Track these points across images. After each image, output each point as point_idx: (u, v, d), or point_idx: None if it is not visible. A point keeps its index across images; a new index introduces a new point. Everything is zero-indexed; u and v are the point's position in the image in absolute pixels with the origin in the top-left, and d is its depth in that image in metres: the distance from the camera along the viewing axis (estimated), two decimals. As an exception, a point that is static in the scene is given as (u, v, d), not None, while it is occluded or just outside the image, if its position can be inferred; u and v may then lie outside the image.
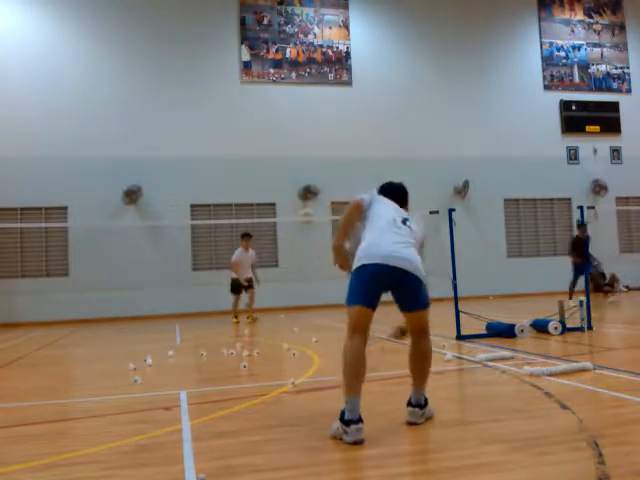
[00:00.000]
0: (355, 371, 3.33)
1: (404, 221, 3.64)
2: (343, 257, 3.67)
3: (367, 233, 3.58)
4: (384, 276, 3.43)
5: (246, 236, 12.37)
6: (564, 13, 20.03)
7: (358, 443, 3.15)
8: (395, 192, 3.92)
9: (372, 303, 3.43)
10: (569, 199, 19.02)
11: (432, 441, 3.18)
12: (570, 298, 12.96)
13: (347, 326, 3.45)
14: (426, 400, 3.65)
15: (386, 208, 3.68)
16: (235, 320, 12.23)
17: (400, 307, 3.69)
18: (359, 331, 3.41)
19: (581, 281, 13.61)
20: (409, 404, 3.59)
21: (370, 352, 3.55)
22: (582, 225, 13.37)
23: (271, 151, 16.16)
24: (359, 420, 3.20)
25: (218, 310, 14.82)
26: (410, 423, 3.53)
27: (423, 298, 3.69)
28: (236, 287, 12.28)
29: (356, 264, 3.48)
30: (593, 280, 13.15)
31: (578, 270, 13.19)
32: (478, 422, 3.56)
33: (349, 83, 17.95)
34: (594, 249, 14.61)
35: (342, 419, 3.23)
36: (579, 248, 13.10)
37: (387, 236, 3.50)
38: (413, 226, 3.69)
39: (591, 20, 20.24)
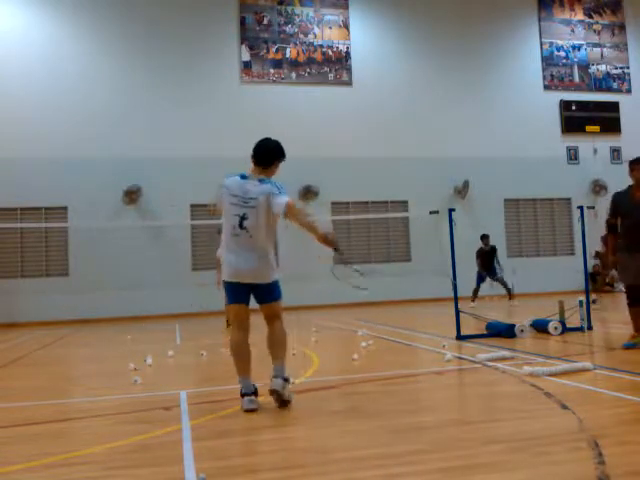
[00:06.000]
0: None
1: (241, 222, 4.16)
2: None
3: (223, 239, 4.35)
4: (249, 288, 4.23)
5: None
6: (564, 13, 20.02)
7: (250, 411, 3.98)
8: (260, 155, 4.39)
9: (242, 302, 4.23)
10: (569, 199, 19.00)
11: (432, 441, 3.18)
12: (473, 301, 13.64)
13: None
14: (287, 378, 4.19)
15: (228, 211, 4.21)
16: (228, 325, 11.83)
17: (255, 300, 4.31)
18: (240, 326, 4.27)
19: (572, 280, 13.81)
20: (273, 377, 4.09)
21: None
22: (485, 237, 13.97)
23: (271, 151, 16.14)
24: (252, 393, 4.07)
25: (218, 310, 14.80)
26: (275, 391, 4.03)
27: (274, 294, 4.31)
28: None
29: (224, 277, 4.25)
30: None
31: (480, 278, 14.09)
32: (478, 422, 3.56)
33: (349, 83, 17.94)
34: (592, 249, 14.67)
35: (240, 393, 4.10)
36: (482, 258, 13.99)
37: (232, 250, 4.18)
38: (254, 219, 4.16)
39: (591, 20, 20.24)
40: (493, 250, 14.06)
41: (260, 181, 4.27)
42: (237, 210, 4.18)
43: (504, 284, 14.04)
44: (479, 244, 14.26)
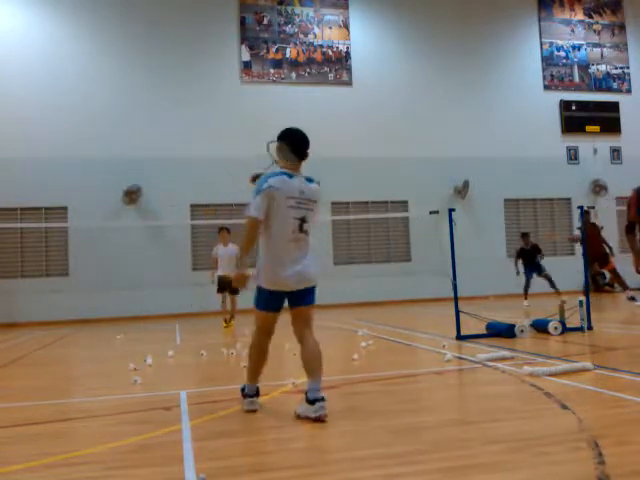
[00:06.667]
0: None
1: (301, 225, 3.90)
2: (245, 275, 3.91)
3: (269, 245, 3.89)
4: (287, 294, 3.97)
5: (222, 230, 11.80)
6: (564, 13, 20.03)
7: (251, 411, 3.98)
8: (303, 147, 4.02)
9: (277, 310, 4.00)
10: (569, 199, 19.02)
11: (432, 441, 3.18)
12: (525, 299, 13.69)
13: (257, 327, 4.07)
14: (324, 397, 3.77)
15: (284, 215, 3.84)
16: (225, 325, 11.62)
17: (289, 303, 4.01)
18: (268, 331, 4.06)
19: (572, 280, 13.84)
20: (314, 401, 3.69)
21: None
22: (525, 235, 13.89)
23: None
24: (254, 395, 4.08)
25: (218, 310, 14.81)
26: (324, 416, 3.65)
27: (312, 297, 4.05)
28: (219, 286, 11.70)
29: (265, 285, 3.89)
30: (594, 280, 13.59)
31: (528, 272, 13.93)
32: (478, 422, 3.56)
33: (349, 83, 17.95)
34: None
35: (245, 394, 4.09)
36: (524, 257, 13.79)
37: (287, 257, 3.85)
38: (310, 216, 3.97)
39: (591, 20, 20.24)
40: (535, 249, 13.85)
41: (308, 180, 4.01)
42: (296, 213, 3.87)
43: (551, 281, 13.75)
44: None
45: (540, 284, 14.44)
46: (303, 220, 3.90)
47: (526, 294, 13.82)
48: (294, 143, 4.00)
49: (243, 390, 4.14)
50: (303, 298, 3.96)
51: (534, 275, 13.84)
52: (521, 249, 14.02)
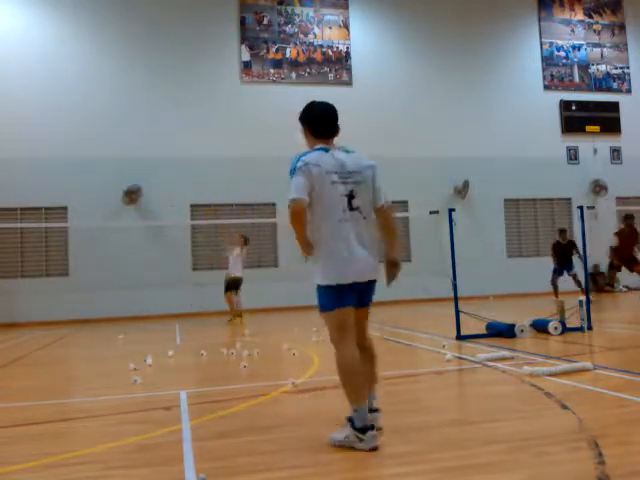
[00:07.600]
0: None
1: (350, 201, 3.28)
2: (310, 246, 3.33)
3: (319, 232, 3.26)
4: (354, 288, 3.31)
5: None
6: (564, 13, 20.02)
7: (374, 450, 3.05)
8: (323, 126, 3.40)
9: (352, 303, 3.32)
10: (569, 199, 19.01)
11: (432, 441, 3.18)
12: (556, 297, 13.55)
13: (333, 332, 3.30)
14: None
15: (329, 192, 3.24)
16: (233, 320, 12.27)
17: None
18: (349, 334, 3.31)
19: (572, 280, 13.86)
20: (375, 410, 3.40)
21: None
22: (563, 231, 13.89)
23: (271, 151, 16.15)
24: (373, 426, 3.12)
25: (218, 310, 14.81)
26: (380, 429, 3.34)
27: (373, 293, 3.44)
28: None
29: (325, 281, 3.25)
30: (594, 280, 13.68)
31: (556, 272, 14.02)
32: (478, 422, 3.56)
33: (349, 83, 17.94)
34: (593, 249, 14.59)
35: (355, 427, 3.10)
36: (559, 252, 13.86)
37: (343, 240, 3.24)
38: (361, 190, 3.33)
39: (591, 20, 20.24)
40: (571, 244, 13.84)
41: (346, 151, 3.39)
42: (342, 189, 3.25)
43: (578, 281, 13.72)
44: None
45: (532, 285, 14.46)
46: (351, 196, 3.27)
47: (556, 292, 13.78)
48: (313, 123, 3.40)
49: (352, 422, 3.13)
50: (370, 294, 3.40)
51: (565, 273, 13.78)
52: (557, 243, 13.94)
